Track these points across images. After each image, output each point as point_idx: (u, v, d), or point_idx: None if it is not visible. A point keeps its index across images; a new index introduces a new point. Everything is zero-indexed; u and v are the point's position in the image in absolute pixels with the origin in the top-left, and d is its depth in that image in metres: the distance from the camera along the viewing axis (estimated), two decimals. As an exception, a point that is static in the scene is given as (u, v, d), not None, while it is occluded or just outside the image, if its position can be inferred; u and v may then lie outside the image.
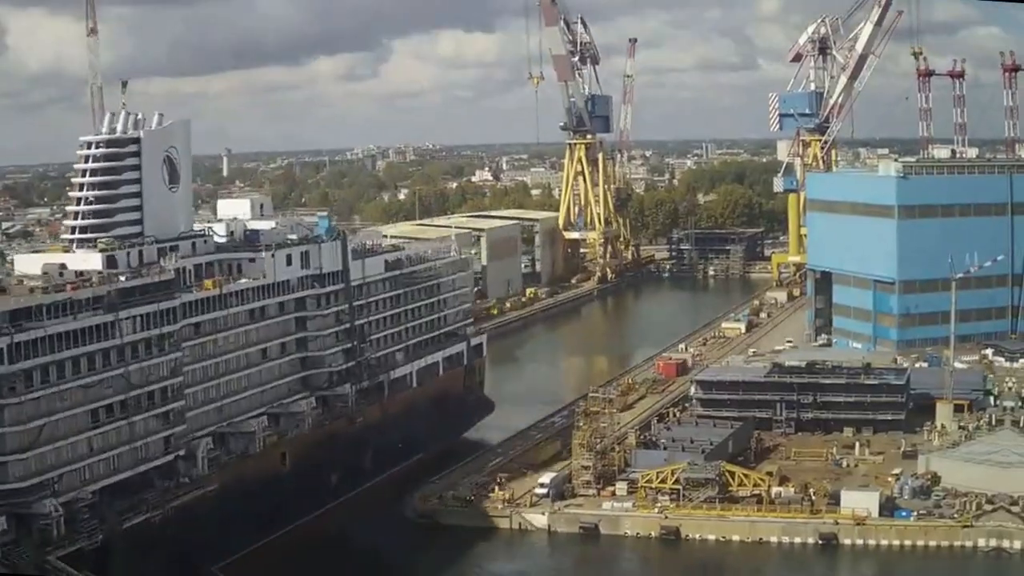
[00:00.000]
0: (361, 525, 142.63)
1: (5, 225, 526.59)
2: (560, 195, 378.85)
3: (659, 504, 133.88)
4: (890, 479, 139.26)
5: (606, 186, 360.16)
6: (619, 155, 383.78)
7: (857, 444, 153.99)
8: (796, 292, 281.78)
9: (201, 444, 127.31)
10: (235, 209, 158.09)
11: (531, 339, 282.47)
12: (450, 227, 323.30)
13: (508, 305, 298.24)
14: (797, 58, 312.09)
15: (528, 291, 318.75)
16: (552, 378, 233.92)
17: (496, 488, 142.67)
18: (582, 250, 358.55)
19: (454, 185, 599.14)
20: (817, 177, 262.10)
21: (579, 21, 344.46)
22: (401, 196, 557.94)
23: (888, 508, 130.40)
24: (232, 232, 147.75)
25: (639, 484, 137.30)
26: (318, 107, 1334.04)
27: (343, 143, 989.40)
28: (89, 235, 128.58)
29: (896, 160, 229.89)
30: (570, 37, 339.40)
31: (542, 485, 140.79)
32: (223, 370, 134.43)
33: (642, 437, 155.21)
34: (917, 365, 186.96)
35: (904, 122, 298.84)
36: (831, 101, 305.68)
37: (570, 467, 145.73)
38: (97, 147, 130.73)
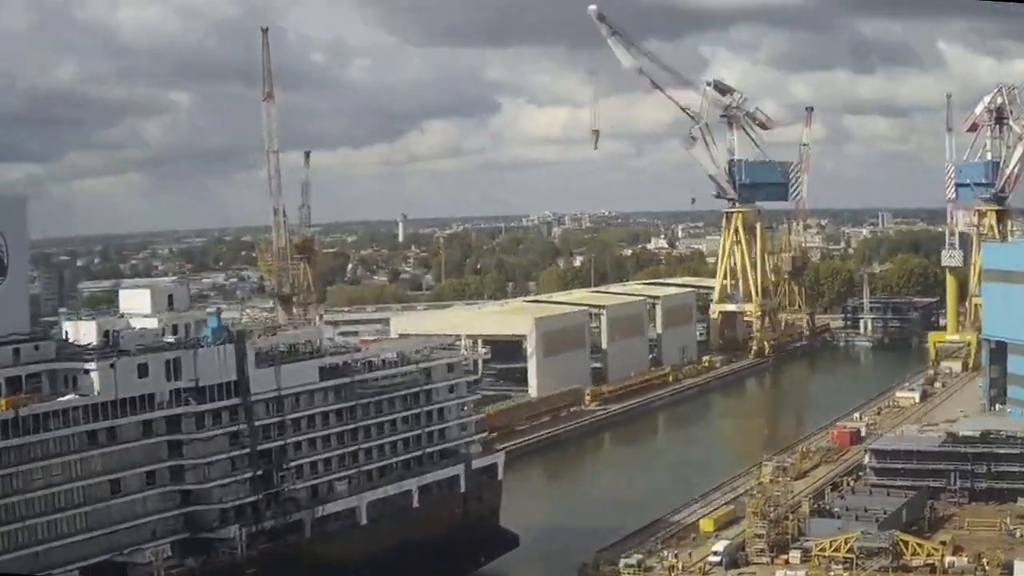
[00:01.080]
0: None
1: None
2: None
3: (833, 573, 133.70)
4: None
5: (767, 256, 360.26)
6: (795, 223, 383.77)
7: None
8: (971, 363, 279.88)
9: None
10: (135, 302, 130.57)
11: (707, 406, 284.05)
12: (624, 294, 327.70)
13: (683, 373, 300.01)
14: (973, 128, 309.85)
15: (704, 359, 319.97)
16: (729, 444, 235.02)
17: (670, 555, 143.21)
18: (746, 319, 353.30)
19: (629, 252, 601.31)
20: (993, 247, 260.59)
21: (712, 84, 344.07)
22: (577, 263, 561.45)
23: None
24: (107, 333, 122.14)
25: (813, 552, 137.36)
26: (489, 172, 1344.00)
27: (517, 210, 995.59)
28: None
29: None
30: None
31: (715, 553, 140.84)
32: (34, 510, 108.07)
33: (816, 505, 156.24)
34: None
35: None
36: (1007, 171, 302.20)
37: (743, 534, 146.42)
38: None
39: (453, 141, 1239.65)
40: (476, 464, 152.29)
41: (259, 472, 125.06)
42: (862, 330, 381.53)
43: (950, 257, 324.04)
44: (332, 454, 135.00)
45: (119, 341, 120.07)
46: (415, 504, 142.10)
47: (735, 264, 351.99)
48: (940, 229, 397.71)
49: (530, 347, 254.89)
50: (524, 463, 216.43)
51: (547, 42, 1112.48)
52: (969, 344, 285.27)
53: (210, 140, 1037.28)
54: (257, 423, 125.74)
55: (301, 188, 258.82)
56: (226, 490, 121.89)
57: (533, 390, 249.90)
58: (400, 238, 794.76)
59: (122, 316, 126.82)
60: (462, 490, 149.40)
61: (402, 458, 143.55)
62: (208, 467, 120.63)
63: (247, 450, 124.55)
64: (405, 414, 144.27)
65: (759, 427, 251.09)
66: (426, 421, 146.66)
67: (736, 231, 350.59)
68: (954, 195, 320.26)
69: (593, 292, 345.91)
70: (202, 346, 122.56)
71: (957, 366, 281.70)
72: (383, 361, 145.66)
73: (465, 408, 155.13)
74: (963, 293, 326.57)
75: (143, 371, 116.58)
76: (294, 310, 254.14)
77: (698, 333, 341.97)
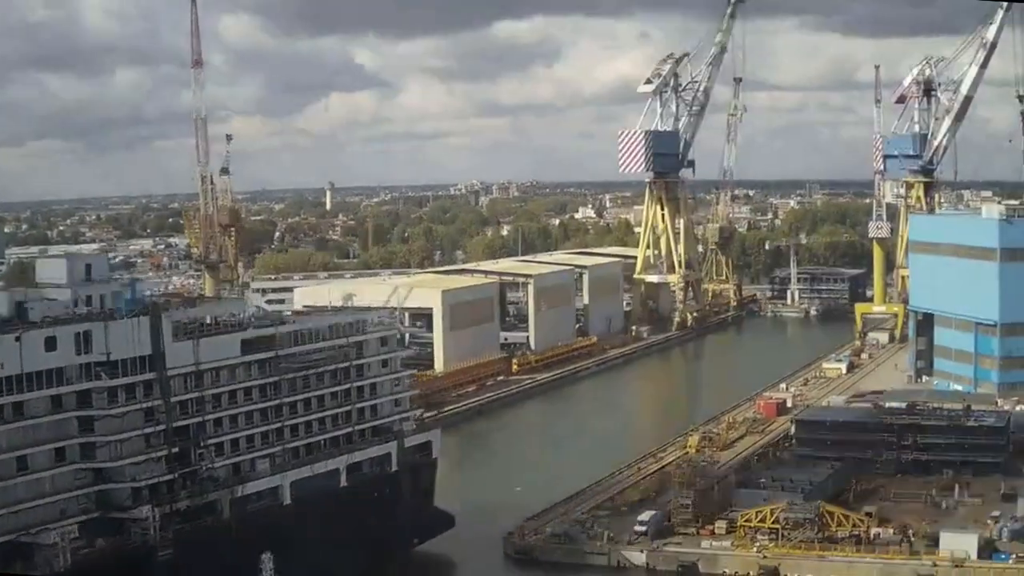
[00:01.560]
0: (458, 560, 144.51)
1: (108, 256, 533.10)
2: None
3: (758, 543, 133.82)
4: (989, 522, 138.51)
5: (693, 226, 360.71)
6: (721, 194, 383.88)
7: (957, 486, 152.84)
8: (897, 334, 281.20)
9: None
10: (51, 272, 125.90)
11: (633, 377, 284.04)
12: (552, 263, 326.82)
13: (608, 344, 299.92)
14: (901, 100, 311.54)
15: (631, 329, 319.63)
16: (655, 414, 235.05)
17: (595, 525, 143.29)
18: (671, 289, 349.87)
19: (557, 222, 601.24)
20: (920, 219, 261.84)
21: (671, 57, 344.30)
22: (504, 232, 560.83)
23: (987, 551, 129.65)
24: (19, 305, 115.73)
25: (739, 523, 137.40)
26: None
27: (444, 179, 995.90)
28: None
29: (999, 203, 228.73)
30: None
31: (641, 523, 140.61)
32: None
33: (742, 476, 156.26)
34: (1018, 408, 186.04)
35: (1008, 165, 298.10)
36: (935, 143, 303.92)
37: (669, 505, 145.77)
38: None
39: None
40: (409, 442, 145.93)
41: (175, 450, 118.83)
42: (789, 301, 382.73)
43: (877, 228, 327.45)
44: (254, 431, 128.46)
45: (27, 313, 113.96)
46: (343, 483, 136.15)
47: (660, 234, 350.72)
48: (868, 201, 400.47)
49: (436, 320, 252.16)
50: (450, 432, 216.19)
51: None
52: (896, 315, 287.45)
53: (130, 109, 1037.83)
54: (173, 399, 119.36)
55: (224, 157, 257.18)
56: (139, 468, 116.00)
57: (439, 364, 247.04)
58: (328, 206, 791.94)
59: (35, 287, 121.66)
60: (394, 469, 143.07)
61: (330, 435, 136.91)
62: (120, 444, 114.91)
63: (162, 427, 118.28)
64: (334, 390, 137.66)
65: (685, 397, 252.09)
66: (356, 397, 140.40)
67: (659, 201, 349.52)
68: (882, 167, 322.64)
69: (520, 261, 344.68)
70: (114, 318, 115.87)
71: (884, 337, 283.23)
72: (311, 334, 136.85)
73: (399, 384, 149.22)
74: (890, 265, 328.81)
75: (51, 344, 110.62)
76: (220, 278, 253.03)
77: (624, 304, 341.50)
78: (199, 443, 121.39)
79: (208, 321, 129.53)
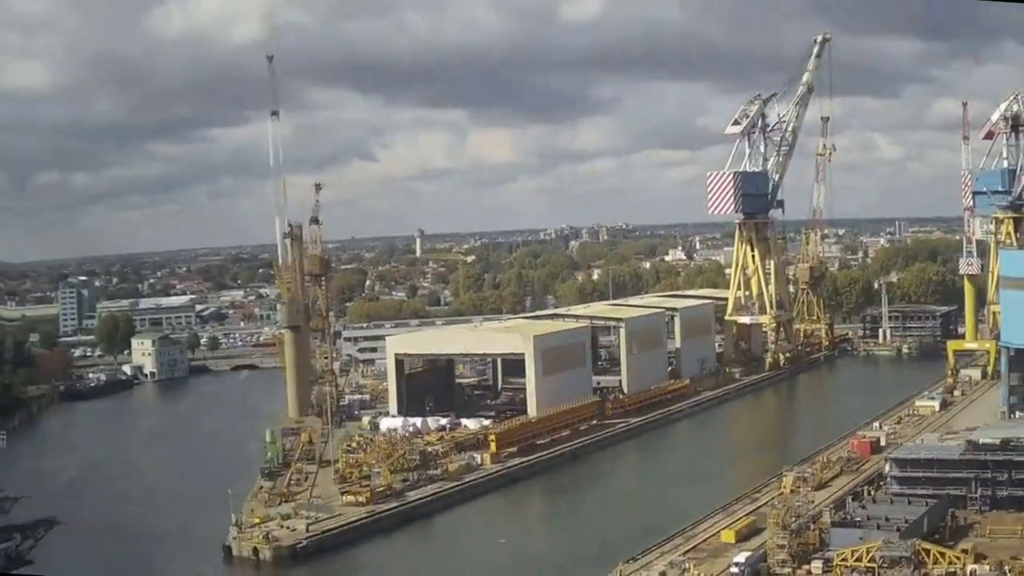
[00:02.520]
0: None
1: (199, 307, 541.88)
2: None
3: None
4: None
5: (784, 266, 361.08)
6: (811, 233, 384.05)
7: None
8: (990, 370, 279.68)
9: None
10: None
11: (726, 418, 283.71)
12: (643, 306, 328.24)
13: (701, 385, 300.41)
14: (989, 135, 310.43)
15: (725, 369, 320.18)
16: (749, 455, 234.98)
17: (691, 567, 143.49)
18: (762, 330, 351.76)
19: (647, 265, 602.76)
20: (1011, 254, 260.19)
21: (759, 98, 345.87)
22: (595, 276, 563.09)
23: None
24: None
25: (835, 563, 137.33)
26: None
27: (535, 223, 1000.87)
28: None
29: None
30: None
31: (736, 564, 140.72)
32: None
33: (837, 515, 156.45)
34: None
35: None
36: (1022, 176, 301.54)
37: (765, 545, 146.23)
38: None
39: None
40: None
41: None
42: (881, 339, 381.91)
43: (968, 265, 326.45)
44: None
45: None
46: None
47: (750, 275, 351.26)
48: (957, 237, 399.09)
49: (528, 365, 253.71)
50: (547, 476, 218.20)
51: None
52: (988, 351, 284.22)
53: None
54: None
55: (314, 206, 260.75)
56: None
57: (531, 408, 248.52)
58: (418, 253, 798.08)
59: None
60: None
61: None
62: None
63: None
64: None
65: (779, 438, 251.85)
66: None
67: (750, 242, 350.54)
68: (971, 203, 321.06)
69: (611, 305, 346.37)
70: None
71: (977, 374, 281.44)
72: None
73: None
74: (981, 301, 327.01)
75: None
76: (312, 327, 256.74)
77: (716, 346, 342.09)
78: None
79: None
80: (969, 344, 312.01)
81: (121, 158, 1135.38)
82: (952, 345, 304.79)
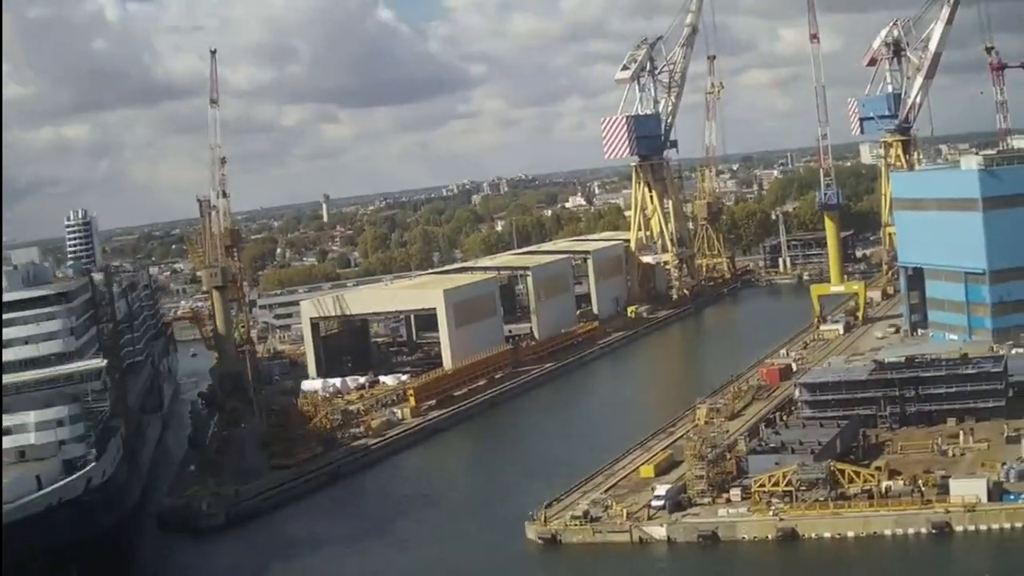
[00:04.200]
0: (482, 547, 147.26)
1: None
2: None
3: (774, 507, 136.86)
4: (996, 465, 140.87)
5: (681, 204, 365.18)
6: (706, 170, 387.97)
7: (961, 433, 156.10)
8: (890, 290, 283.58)
9: None
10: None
11: (637, 356, 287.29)
12: (551, 253, 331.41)
13: (610, 326, 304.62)
14: (872, 62, 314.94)
15: (629, 309, 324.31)
16: (661, 391, 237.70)
17: (614, 503, 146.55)
18: (665, 267, 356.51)
19: (549, 213, 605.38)
20: (902, 176, 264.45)
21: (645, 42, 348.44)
22: (499, 228, 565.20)
23: (997, 493, 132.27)
24: None
25: (753, 489, 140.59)
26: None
27: (435, 181, 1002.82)
28: None
29: (977, 154, 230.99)
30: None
31: (657, 497, 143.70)
32: None
33: (752, 443, 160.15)
34: (1014, 352, 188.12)
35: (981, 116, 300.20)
36: (909, 101, 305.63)
37: (684, 478, 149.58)
38: None
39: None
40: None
41: None
42: (781, 269, 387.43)
43: (827, 198, 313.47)
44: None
45: None
46: None
47: (650, 215, 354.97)
48: (849, 164, 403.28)
49: (440, 319, 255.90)
50: (467, 425, 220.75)
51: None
52: (857, 294, 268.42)
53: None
54: None
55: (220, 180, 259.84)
56: None
57: (447, 361, 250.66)
58: (325, 219, 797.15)
59: None
60: None
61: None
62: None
63: None
64: None
65: (689, 372, 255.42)
66: None
67: (647, 183, 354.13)
68: (859, 130, 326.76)
69: (519, 254, 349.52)
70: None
71: (877, 295, 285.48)
72: None
73: None
74: (876, 224, 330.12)
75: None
76: (229, 297, 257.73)
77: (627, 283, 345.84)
78: None
79: None
80: (835, 287, 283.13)
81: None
82: (816, 290, 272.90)
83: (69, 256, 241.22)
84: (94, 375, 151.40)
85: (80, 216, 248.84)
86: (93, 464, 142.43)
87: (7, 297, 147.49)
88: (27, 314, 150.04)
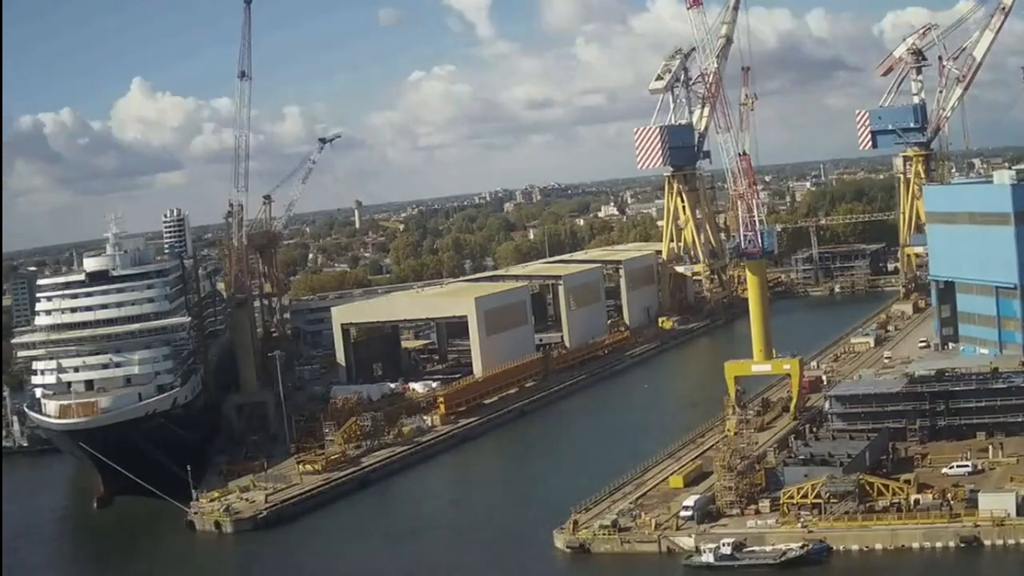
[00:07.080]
0: (511, 556, 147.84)
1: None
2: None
3: (803, 519, 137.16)
4: None
5: (714, 215, 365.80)
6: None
7: (991, 447, 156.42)
8: (921, 303, 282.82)
9: None
10: None
11: (666, 366, 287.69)
12: (582, 262, 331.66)
13: (641, 336, 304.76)
14: (888, 71, 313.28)
15: (660, 320, 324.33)
16: (691, 402, 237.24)
17: (643, 514, 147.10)
18: (695, 278, 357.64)
19: (581, 222, 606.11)
20: (934, 189, 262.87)
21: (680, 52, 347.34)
22: (531, 236, 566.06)
23: None
24: None
25: (782, 500, 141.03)
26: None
27: (468, 189, 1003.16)
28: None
29: (1010, 168, 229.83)
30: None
31: (686, 508, 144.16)
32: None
33: (782, 455, 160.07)
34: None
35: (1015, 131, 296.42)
36: (942, 113, 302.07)
37: (713, 488, 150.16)
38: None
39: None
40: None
41: None
42: (813, 281, 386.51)
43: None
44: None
45: None
46: None
47: (682, 226, 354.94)
48: (882, 177, 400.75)
49: (472, 326, 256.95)
50: (497, 433, 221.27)
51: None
52: (790, 375, 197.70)
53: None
54: None
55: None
56: None
57: (477, 369, 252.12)
58: (357, 225, 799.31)
59: None
60: None
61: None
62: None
63: None
64: None
65: (719, 383, 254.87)
66: None
67: (679, 193, 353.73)
68: (870, 144, 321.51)
69: (550, 263, 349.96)
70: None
71: (909, 308, 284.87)
72: None
73: None
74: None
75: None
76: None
77: (659, 292, 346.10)
78: None
79: None
80: (758, 366, 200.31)
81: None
82: (731, 369, 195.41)
83: (164, 246, 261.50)
84: (181, 328, 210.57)
85: (175, 214, 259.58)
86: (178, 389, 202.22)
87: (121, 273, 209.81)
88: (135, 284, 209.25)
